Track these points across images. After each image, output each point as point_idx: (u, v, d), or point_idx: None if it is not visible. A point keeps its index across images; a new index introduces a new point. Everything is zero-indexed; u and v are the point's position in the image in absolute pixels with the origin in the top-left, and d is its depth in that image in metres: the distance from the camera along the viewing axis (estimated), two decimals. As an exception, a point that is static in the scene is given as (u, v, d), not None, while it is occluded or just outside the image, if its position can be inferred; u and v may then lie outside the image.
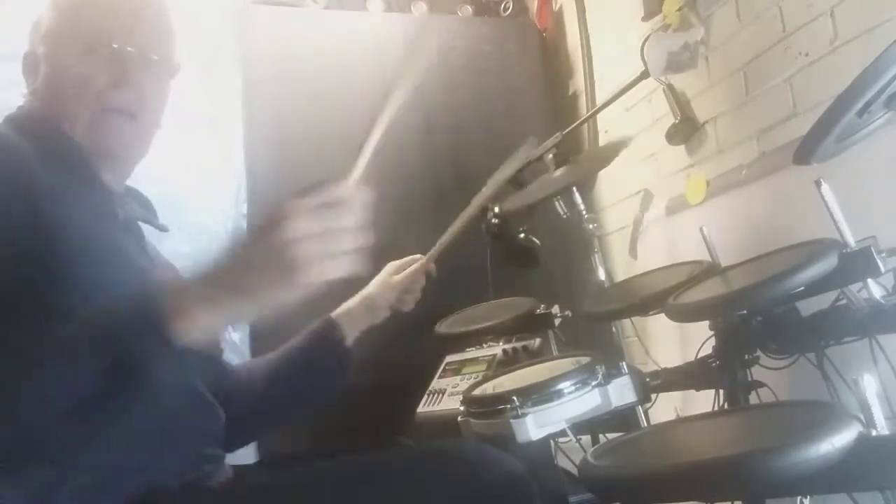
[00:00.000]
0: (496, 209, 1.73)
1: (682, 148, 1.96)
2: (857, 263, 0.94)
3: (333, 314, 1.24)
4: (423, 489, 0.82)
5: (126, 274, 0.91)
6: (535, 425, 0.98)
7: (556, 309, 1.56)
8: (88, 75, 0.92)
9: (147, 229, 1.06)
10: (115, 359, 0.66)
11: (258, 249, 0.69)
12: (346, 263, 0.71)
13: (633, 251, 2.21)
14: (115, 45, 0.93)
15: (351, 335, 1.23)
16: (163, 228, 1.08)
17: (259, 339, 2.04)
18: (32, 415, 0.66)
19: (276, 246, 0.67)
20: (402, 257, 1.34)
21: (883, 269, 0.94)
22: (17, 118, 0.94)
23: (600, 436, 1.35)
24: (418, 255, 1.32)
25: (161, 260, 1.09)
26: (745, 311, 1.11)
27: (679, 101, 1.94)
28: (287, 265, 0.67)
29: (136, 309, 0.69)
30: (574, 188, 1.63)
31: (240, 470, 1.02)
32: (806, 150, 0.94)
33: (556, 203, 1.63)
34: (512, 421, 0.97)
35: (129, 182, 1.04)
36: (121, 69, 0.93)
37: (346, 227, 0.71)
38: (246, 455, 1.66)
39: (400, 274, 1.31)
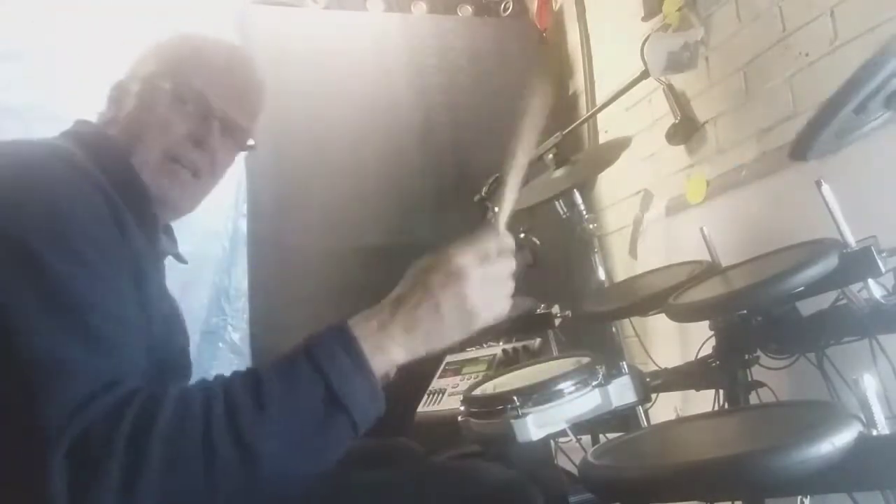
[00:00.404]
0: (496, 209, 1.73)
1: (682, 148, 1.96)
2: (858, 263, 0.94)
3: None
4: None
5: (166, 309, 0.93)
6: (535, 425, 0.98)
7: (556, 309, 1.56)
8: (171, 122, 0.95)
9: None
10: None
11: (436, 286, 0.74)
12: (507, 304, 0.79)
13: (633, 251, 2.21)
14: (206, 105, 0.96)
15: None
16: (183, 260, 1.09)
17: (259, 339, 2.04)
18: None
19: (454, 285, 0.74)
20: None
21: (883, 269, 0.94)
22: (83, 137, 0.92)
23: (600, 436, 1.35)
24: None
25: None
26: (745, 311, 1.11)
27: (679, 101, 1.94)
28: (464, 304, 0.74)
29: (341, 346, 0.71)
30: (574, 188, 1.63)
31: None
32: (801, 146, 0.94)
33: (556, 203, 1.63)
34: (512, 421, 0.97)
35: None
36: (203, 129, 0.96)
37: (508, 272, 0.79)
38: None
39: None
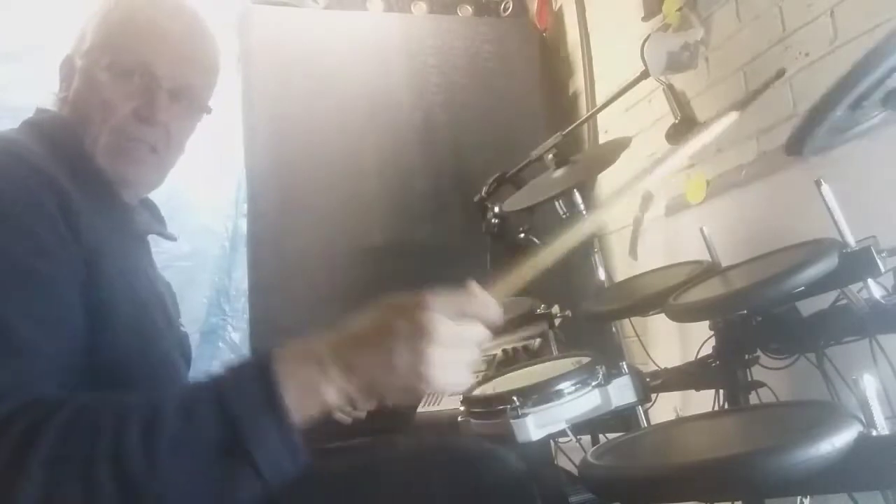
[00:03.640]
0: (496, 209, 1.73)
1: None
2: (858, 263, 0.94)
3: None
4: (423, 486, 0.81)
5: (142, 292, 0.89)
6: (535, 425, 0.98)
7: (556, 309, 1.56)
8: (116, 101, 0.89)
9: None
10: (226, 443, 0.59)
11: (399, 337, 0.64)
12: (465, 378, 0.68)
13: (633, 251, 2.21)
14: (149, 75, 0.90)
15: None
16: (172, 238, 1.06)
17: (258, 339, 2.04)
18: None
19: (419, 342, 0.63)
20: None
21: (883, 269, 0.94)
22: (41, 124, 0.90)
23: (600, 436, 1.35)
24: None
25: (158, 272, 1.08)
26: (745, 311, 1.11)
27: (679, 101, 1.94)
28: (421, 366, 0.64)
29: (250, 378, 0.62)
30: (574, 188, 1.63)
31: None
32: (797, 141, 0.94)
33: (556, 203, 1.63)
34: (512, 421, 0.97)
35: None
36: (149, 104, 0.90)
37: (479, 340, 0.69)
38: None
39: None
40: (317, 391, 0.63)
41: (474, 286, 0.71)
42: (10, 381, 0.61)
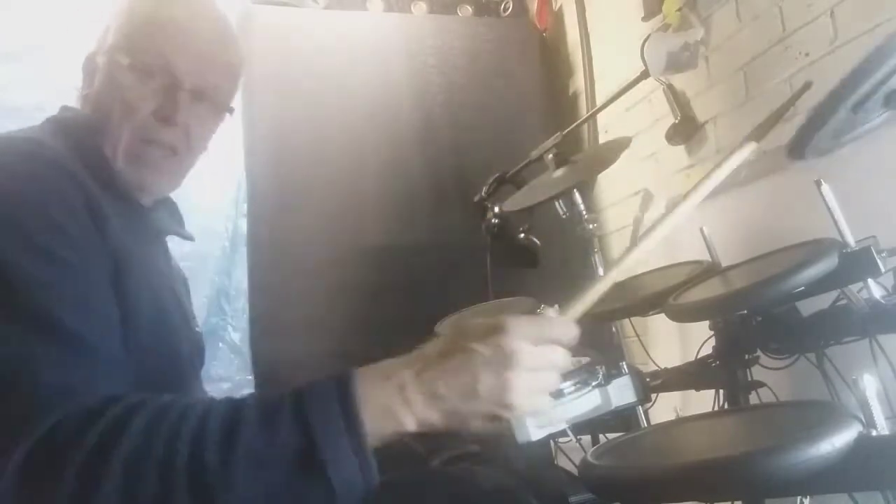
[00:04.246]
0: (496, 209, 1.73)
1: (681, 148, 1.96)
2: (858, 263, 0.94)
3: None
4: None
5: (161, 294, 0.89)
6: (535, 425, 0.97)
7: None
8: (136, 102, 0.88)
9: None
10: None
11: (481, 364, 0.63)
12: (544, 402, 0.69)
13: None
14: (170, 75, 0.89)
15: None
16: (189, 238, 1.05)
17: (258, 339, 2.04)
18: None
19: (503, 370, 0.62)
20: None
21: (883, 269, 0.93)
22: (65, 123, 0.89)
23: (600, 436, 1.35)
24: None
25: (177, 270, 1.08)
26: (745, 311, 1.11)
27: (679, 101, 1.94)
28: (504, 393, 0.63)
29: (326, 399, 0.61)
30: (574, 188, 1.63)
31: None
32: (798, 144, 0.94)
33: (556, 203, 1.63)
34: (512, 421, 0.97)
35: None
36: (170, 104, 0.89)
37: (560, 364, 0.68)
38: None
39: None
40: (396, 416, 0.62)
41: (550, 310, 0.71)
42: (80, 376, 0.62)
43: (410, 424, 0.63)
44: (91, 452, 0.57)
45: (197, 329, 1.03)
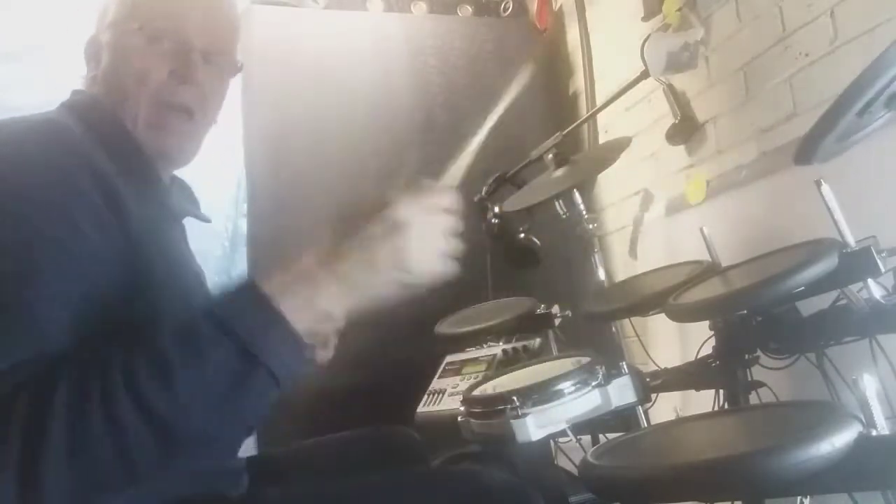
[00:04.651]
0: (496, 209, 1.73)
1: (681, 148, 1.96)
2: (857, 263, 0.94)
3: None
4: None
5: (186, 276, 0.90)
6: (535, 425, 0.98)
7: (556, 309, 1.56)
8: (150, 67, 0.89)
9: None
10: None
11: (375, 238, 0.70)
12: (445, 264, 0.74)
13: (633, 251, 2.21)
14: (180, 39, 0.90)
15: None
16: (206, 220, 1.07)
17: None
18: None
19: (394, 237, 0.69)
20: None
21: (883, 269, 0.93)
22: (78, 107, 0.89)
23: (600, 436, 1.35)
24: None
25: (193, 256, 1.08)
26: (745, 311, 1.11)
27: (679, 101, 1.94)
28: (401, 258, 0.70)
29: (246, 298, 0.67)
30: (574, 188, 1.63)
31: (252, 478, 1.02)
32: (807, 151, 0.94)
33: (556, 203, 1.63)
34: (512, 421, 0.97)
35: None
36: (184, 65, 0.90)
37: (446, 229, 0.74)
38: (245, 448, 1.65)
39: None
40: (310, 301, 0.68)
41: (426, 181, 0.76)
42: (26, 350, 0.62)
43: (325, 304, 0.68)
44: (25, 423, 0.58)
45: None
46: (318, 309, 0.68)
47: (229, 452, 0.88)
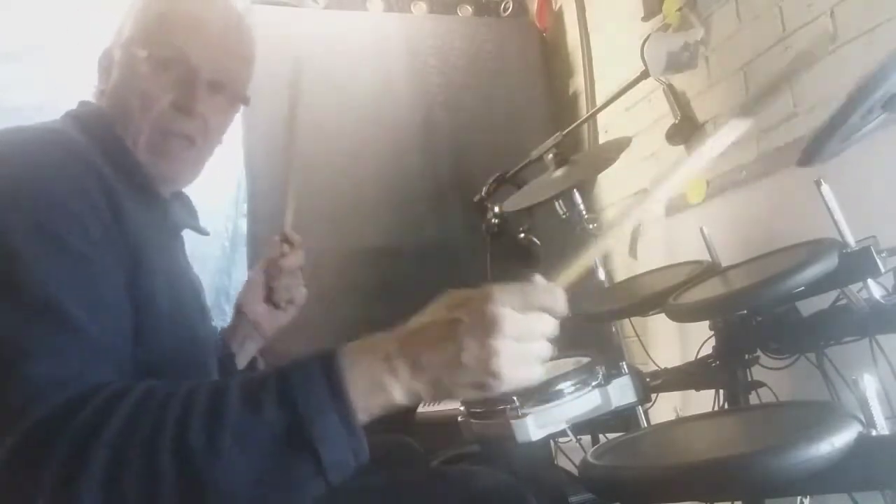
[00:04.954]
0: (496, 209, 1.73)
1: (681, 148, 1.96)
2: (857, 263, 0.94)
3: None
4: None
5: (183, 288, 0.90)
6: (535, 425, 0.98)
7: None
8: (154, 94, 0.89)
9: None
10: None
11: (465, 339, 0.62)
12: (536, 372, 0.66)
13: (633, 251, 2.21)
14: (187, 68, 0.90)
15: (238, 352, 1.12)
16: (204, 232, 1.06)
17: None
18: None
19: (488, 335, 0.61)
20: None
21: (883, 269, 0.94)
22: (84, 118, 0.90)
23: (600, 436, 1.35)
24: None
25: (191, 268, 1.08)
26: (745, 311, 1.11)
27: (679, 101, 1.94)
28: (490, 360, 0.62)
29: (311, 377, 0.61)
30: (574, 188, 1.63)
31: None
32: (810, 153, 0.94)
33: (556, 203, 1.63)
34: (512, 421, 0.97)
35: None
36: (188, 95, 0.90)
37: (547, 331, 0.67)
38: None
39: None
40: (383, 388, 0.62)
41: (538, 277, 0.69)
42: (75, 366, 0.62)
43: (398, 396, 0.63)
44: (76, 437, 0.57)
45: (213, 324, 1.05)
46: (388, 396, 0.63)
47: None
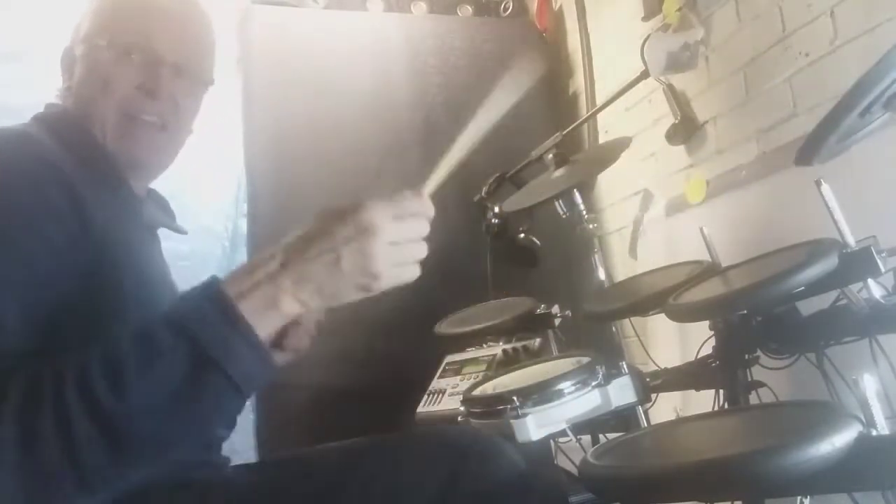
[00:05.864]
0: (496, 209, 1.73)
1: (682, 148, 1.96)
2: (857, 263, 0.94)
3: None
4: (407, 478, 0.80)
5: (157, 285, 0.90)
6: (535, 425, 0.98)
7: (556, 309, 1.56)
8: (117, 80, 0.90)
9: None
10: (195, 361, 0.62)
11: (342, 240, 0.68)
12: (414, 271, 0.72)
13: (633, 251, 2.21)
14: (150, 53, 0.91)
15: None
16: (182, 231, 1.06)
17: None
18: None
19: (362, 241, 0.68)
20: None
21: (883, 269, 0.93)
22: (49, 119, 0.92)
23: (600, 436, 1.35)
24: None
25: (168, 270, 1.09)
26: (745, 311, 1.11)
27: (679, 101, 1.94)
28: (366, 263, 0.68)
29: (208, 303, 0.65)
30: (574, 188, 1.63)
31: (249, 486, 1.01)
32: (808, 152, 0.94)
33: (556, 203, 1.63)
34: (512, 421, 0.97)
35: None
36: (153, 78, 0.91)
37: (420, 237, 0.73)
38: (247, 457, 1.66)
39: None
40: (273, 303, 0.67)
41: (405, 191, 0.75)
42: None
43: (288, 307, 0.67)
44: None
45: None
46: (282, 311, 0.67)
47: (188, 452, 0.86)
